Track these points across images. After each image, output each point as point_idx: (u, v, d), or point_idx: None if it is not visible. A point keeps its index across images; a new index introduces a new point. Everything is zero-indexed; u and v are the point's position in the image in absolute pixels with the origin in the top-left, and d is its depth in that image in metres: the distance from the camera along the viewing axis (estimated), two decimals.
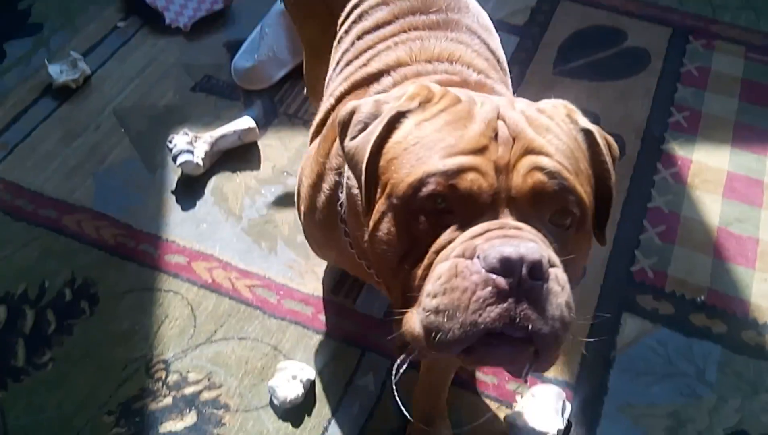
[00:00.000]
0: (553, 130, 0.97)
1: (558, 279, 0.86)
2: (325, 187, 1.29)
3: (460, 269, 0.84)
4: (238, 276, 1.95)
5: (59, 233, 2.04)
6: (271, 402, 1.72)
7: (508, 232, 0.86)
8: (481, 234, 0.87)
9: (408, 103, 1.00)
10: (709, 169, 2.25)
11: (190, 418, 1.69)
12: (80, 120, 2.35)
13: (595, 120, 2.33)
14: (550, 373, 1.77)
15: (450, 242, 0.89)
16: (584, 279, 1.94)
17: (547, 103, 1.05)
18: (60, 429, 1.67)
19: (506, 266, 0.82)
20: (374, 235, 0.97)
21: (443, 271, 0.86)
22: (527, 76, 2.52)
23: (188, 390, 1.74)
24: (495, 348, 0.84)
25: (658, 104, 2.45)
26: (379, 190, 0.99)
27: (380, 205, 0.97)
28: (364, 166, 0.99)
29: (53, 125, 2.34)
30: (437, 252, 0.90)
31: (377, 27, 1.42)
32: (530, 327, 0.82)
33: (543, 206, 0.91)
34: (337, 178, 1.24)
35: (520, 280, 0.82)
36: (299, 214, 1.48)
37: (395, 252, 0.94)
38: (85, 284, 1.93)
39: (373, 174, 1.00)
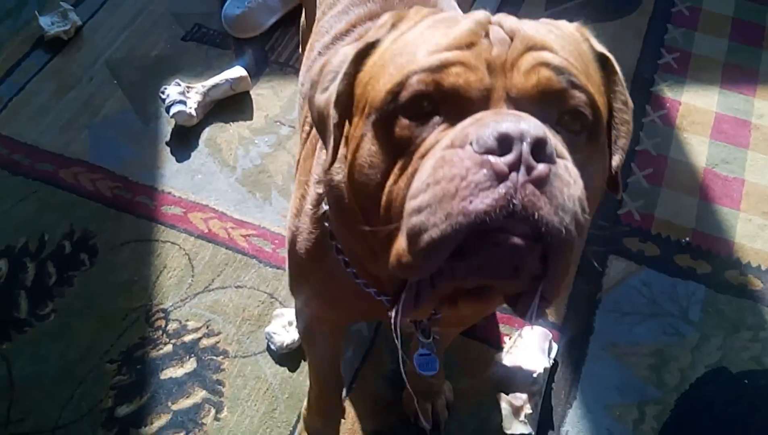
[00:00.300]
0: (556, 33, 0.84)
1: (568, 170, 0.71)
2: (308, 207, 1.12)
3: (448, 158, 0.70)
4: (233, 226, 1.99)
5: (56, 186, 2.07)
6: (268, 348, 1.77)
7: (506, 118, 0.71)
8: (473, 123, 0.72)
9: (377, 32, 0.88)
10: (698, 110, 2.27)
11: (190, 365, 1.75)
12: (73, 72, 2.37)
13: None
14: None
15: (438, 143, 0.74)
16: None
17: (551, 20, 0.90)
18: (64, 378, 1.73)
19: (503, 143, 0.67)
20: (354, 164, 0.83)
21: (428, 166, 0.71)
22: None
23: (188, 337, 1.80)
24: (493, 251, 0.68)
25: (649, 45, 2.45)
26: (356, 119, 0.86)
27: (358, 131, 0.84)
28: (332, 106, 0.87)
29: (47, 78, 2.35)
30: (424, 156, 0.75)
31: (335, 40, 1.30)
32: (535, 215, 0.66)
33: (550, 106, 0.77)
34: (320, 191, 1.07)
35: (521, 158, 0.67)
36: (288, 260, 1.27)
37: (378, 171, 0.80)
38: (84, 236, 1.97)
39: (347, 113, 0.88)
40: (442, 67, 0.76)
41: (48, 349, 1.78)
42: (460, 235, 0.67)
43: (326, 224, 1.07)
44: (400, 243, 0.73)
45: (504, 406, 1.67)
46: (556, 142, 0.72)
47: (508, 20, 0.83)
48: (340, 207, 0.97)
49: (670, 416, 1.69)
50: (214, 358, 1.76)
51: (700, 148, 2.17)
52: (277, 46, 2.44)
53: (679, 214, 2.03)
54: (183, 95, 2.18)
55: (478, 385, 1.73)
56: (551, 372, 1.74)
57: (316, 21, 1.46)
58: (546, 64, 0.77)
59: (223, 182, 2.09)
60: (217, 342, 1.79)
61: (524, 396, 1.67)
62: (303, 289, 1.27)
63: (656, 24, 2.52)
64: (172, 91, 2.18)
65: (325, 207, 1.05)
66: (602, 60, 0.88)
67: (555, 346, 1.76)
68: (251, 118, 2.25)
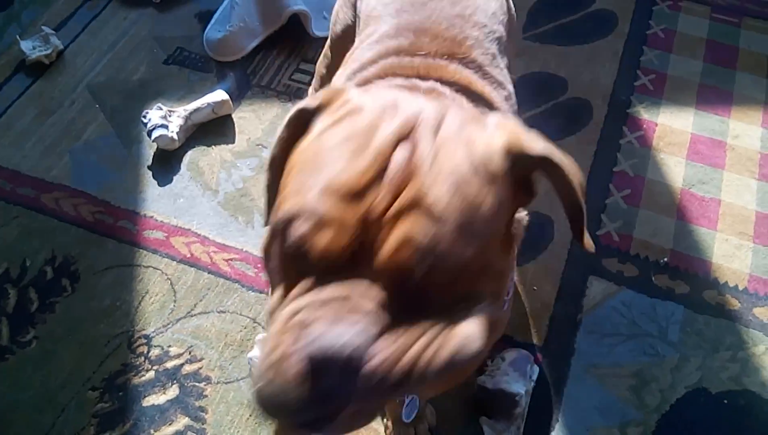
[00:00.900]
0: (461, 170, 0.79)
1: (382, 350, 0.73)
2: None
3: (274, 343, 0.74)
4: (216, 250, 2.00)
5: (38, 211, 2.07)
6: (251, 373, 1.77)
7: (340, 319, 0.73)
8: (322, 305, 0.74)
9: (314, 102, 0.90)
10: (674, 131, 2.30)
11: (173, 391, 1.75)
12: (55, 96, 2.37)
13: (563, 85, 2.38)
14: (519, 337, 1.84)
15: (301, 294, 0.77)
16: (552, 244, 2.00)
17: (491, 122, 0.87)
18: (46, 405, 1.73)
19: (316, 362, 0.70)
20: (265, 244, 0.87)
21: (271, 331, 0.77)
22: None
23: (170, 364, 1.80)
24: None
25: (625, 67, 2.48)
26: (279, 197, 0.87)
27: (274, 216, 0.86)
28: (266, 167, 0.93)
29: (28, 102, 2.35)
30: (292, 300, 0.78)
31: (362, 69, 1.30)
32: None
33: (408, 282, 0.76)
34: None
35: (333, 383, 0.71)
36: None
37: (275, 272, 0.84)
38: (66, 262, 1.97)
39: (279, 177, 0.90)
40: (321, 225, 0.76)
41: (29, 376, 1.77)
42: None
43: None
44: None
45: (486, 429, 1.68)
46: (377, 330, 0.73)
47: (421, 147, 0.80)
48: None
49: None
50: (197, 384, 1.76)
51: (676, 169, 2.20)
52: (259, 70, 2.46)
53: (657, 235, 2.06)
54: (165, 119, 2.18)
55: (460, 408, 1.74)
56: (533, 394, 1.75)
57: (350, 51, 1.45)
58: (411, 244, 0.75)
59: (206, 206, 2.10)
60: (200, 368, 1.79)
61: (506, 419, 1.68)
62: None
63: (632, 46, 2.56)
64: (153, 115, 2.19)
65: None
66: (543, 160, 0.86)
67: (537, 369, 1.77)
68: (233, 142, 2.26)
